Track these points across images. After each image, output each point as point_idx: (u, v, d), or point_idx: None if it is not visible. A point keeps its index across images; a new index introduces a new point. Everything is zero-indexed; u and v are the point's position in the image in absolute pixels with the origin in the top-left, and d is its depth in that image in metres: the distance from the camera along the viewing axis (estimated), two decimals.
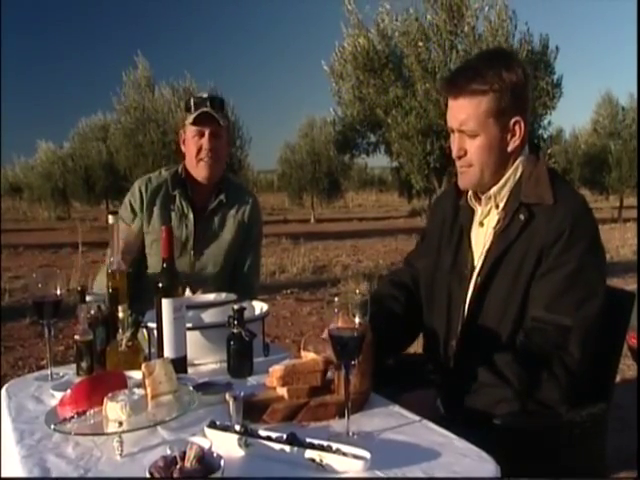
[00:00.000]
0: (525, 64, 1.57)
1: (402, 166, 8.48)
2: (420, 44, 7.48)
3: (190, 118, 2.20)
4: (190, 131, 2.22)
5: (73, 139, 19.60)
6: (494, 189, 1.54)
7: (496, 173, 1.53)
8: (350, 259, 10.18)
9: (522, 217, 1.46)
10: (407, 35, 7.56)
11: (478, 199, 1.60)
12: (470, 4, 7.49)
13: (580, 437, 1.45)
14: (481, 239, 1.57)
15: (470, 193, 1.61)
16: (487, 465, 1.07)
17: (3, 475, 1.27)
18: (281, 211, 24.59)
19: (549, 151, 8.26)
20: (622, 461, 2.08)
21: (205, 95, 2.24)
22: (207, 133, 2.20)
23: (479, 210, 1.59)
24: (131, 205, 2.28)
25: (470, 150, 1.51)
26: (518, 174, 1.53)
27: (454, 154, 1.55)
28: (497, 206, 1.55)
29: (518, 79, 1.47)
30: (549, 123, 8.30)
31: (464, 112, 1.48)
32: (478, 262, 1.55)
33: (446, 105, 1.56)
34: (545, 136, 8.32)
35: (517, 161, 1.53)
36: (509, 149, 1.51)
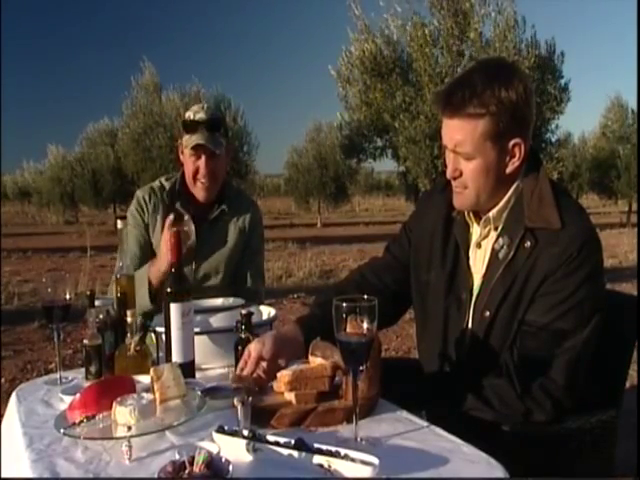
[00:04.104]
0: (527, 76, 1.44)
1: (409, 170, 8.47)
2: (427, 50, 7.48)
3: (186, 141, 2.18)
4: (187, 150, 2.20)
5: (81, 144, 19.77)
6: (494, 212, 1.46)
7: (494, 196, 1.45)
8: (357, 263, 10.11)
9: (528, 244, 1.40)
10: (415, 40, 7.56)
11: (477, 217, 1.51)
12: (476, 10, 7.48)
13: (590, 444, 1.45)
14: (479, 262, 1.50)
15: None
16: (496, 471, 1.06)
17: (3, 475, 1.28)
18: (287, 215, 24.63)
19: (557, 155, 8.23)
20: (632, 467, 2.07)
21: (200, 115, 2.17)
22: (204, 157, 2.18)
23: (477, 230, 1.51)
24: (140, 214, 2.27)
25: (465, 172, 1.43)
26: (518, 193, 1.45)
27: (448, 174, 1.46)
28: (496, 228, 1.47)
29: (518, 98, 1.36)
30: (557, 127, 8.30)
31: (459, 134, 1.39)
32: (477, 287, 1.49)
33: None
34: (553, 140, 8.30)
35: (517, 181, 1.45)
36: (508, 171, 1.42)
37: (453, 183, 1.48)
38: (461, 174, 1.44)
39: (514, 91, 1.36)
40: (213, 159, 2.20)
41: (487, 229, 1.49)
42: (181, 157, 2.28)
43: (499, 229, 1.47)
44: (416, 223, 1.69)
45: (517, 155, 1.41)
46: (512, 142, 1.40)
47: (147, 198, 2.28)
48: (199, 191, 2.24)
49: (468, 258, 1.52)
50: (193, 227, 2.04)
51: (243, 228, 2.32)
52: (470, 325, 1.49)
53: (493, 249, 1.46)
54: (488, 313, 1.43)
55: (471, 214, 1.52)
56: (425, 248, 1.61)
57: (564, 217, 1.38)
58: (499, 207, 1.46)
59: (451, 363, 1.52)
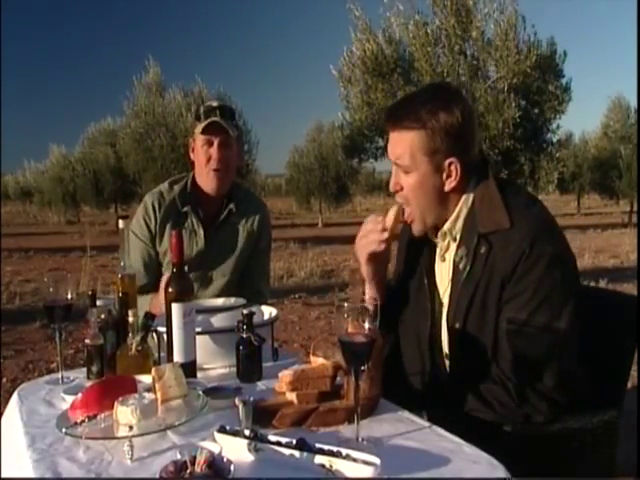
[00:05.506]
0: (468, 102, 1.50)
1: None
2: (429, 49, 7.47)
3: (199, 127, 2.17)
4: (199, 140, 2.19)
5: (83, 144, 19.78)
6: (447, 225, 1.51)
7: (440, 214, 1.50)
8: (358, 263, 10.17)
9: (483, 250, 1.42)
10: (417, 39, 7.55)
11: (437, 230, 1.56)
12: (479, 9, 7.48)
13: (592, 444, 1.45)
14: (445, 275, 1.54)
15: None
16: (497, 472, 1.06)
17: (4, 475, 1.28)
18: (289, 215, 24.62)
19: (558, 155, 8.21)
20: (633, 467, 2.07)
21: (215, 104, 2.21)
22: (216, 142, 2.16)
23: (439, 244, 1.56)
24: (146, 223, 2.23)
25: (405, 186, 1.49)
26: (469, 203, 1.48)
27: (391, 187, 1.53)
28: (455, 239, 1.51)
29: (454, 119, 1.41)
30: (558, 127, 8.27)
31: (399, 147, 1.47)
32: (445, 298, 1.52)
33: None
34: (554, 140, 8.28)
35: (464, 195, 1.48)
36: (446, 189, 1.47)
37: (397, 197, 1.53)
38: (402, 188, 1.50)
39: (451, 112, 1.42)
40: (225, 147, 2.18)
41: (446, 242, 1.53)
42: (192, 156, 2.26)
43: (457, 239, 1.50)
44: (398, 250, 1.76)
45: (453, 174, 1.45)
46: (447, 161, 1.44)
47: (156, 205, 2.23)
48: (210, 181, 2.19)
49: (434, 273, 1.56)
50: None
51: (252, 231, 2.29)
52: (445, 338, 1.52)
53: (454, 261, 1.50)
54: (458, 325, 1.46)
55: (431, 231, 1.56)
56: (401, 266, 1.70)
57: (513, 216, 1.41)
58: (452, 219, 1.50)
59: (431, 377, 1.54)
